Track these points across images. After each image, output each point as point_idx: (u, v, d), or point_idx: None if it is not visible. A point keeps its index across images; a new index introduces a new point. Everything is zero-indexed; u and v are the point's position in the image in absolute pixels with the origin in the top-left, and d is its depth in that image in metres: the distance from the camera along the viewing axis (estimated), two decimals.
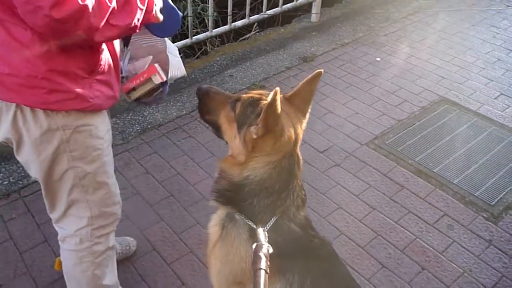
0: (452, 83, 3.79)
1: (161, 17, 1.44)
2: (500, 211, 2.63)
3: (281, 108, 1.25)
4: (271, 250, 1.19)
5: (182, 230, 2.41)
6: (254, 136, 1.24)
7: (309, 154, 2.97)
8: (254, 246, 1.19)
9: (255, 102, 1.30)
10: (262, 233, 1.24)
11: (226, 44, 4.47)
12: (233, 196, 1.34)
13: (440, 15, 4.97)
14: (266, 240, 1.23)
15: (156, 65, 1.64)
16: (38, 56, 1.22)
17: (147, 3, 1.31)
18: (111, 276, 1.78)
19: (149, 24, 1.47)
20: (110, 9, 1.18)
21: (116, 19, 1.22)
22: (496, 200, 2.70)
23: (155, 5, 1.39)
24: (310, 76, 1.40)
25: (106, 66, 1.40)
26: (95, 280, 1.71)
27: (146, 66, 1.67)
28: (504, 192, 2.75)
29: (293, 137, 1.31)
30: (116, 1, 1.20)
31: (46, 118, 1.33)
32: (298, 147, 1.36)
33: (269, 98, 1.17)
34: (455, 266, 2.30)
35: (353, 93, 3.61)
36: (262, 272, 1.09)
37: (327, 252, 1.43)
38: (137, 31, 1.35)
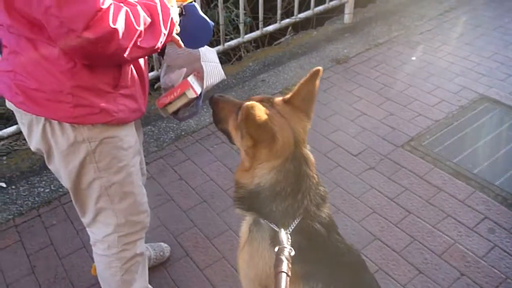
0: (493, 80, 3.65)
1: (177, 38, 1.49)
2: None
3: (279, 112, 1.29)
4: (293, 253, 1.19)
5: (215, 235, 2.43)
6: (244, 148, 1.28)
7: (343, 157, 2.93)
8: (276, 249, 1.20)
9: (251, 109, 1.28)
10: (284, 236, 1.24)
11: (259, 49, 4.49)
12: (253, 202, 1.35)
13: (479, 10, 4.79)
14: (289, 242, 1.23)
15: (190, 78, 1.66)
16: (63, 72, 1.28)
17: (169, 28, 1.37)
18: (141, 281, 1.81)
19: (181, 37, 1.51)
20: (138, 32, 1.23)
21: (142, 42, 1.27)
22: None
23: (176, 29, 1.45)
24: (308, 75, 1.38)
25: (130, 80, 1.44)
26: (124, 285, 1.76)
27: (181, 79, 1.70)
28: None
29: (291, 139, 1.30)
30: (143, 25, 1.25)
31: (73, 130, 1.39)
32: (304, 147, 1.36)
33: (242, 114, 1.20)
34: (497, 272, 2.20)
35: (387, 94, 3.54)
36: (284, 275, 1.09)
37: (355, 260, 1.41)
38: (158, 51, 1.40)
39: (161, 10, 1.32)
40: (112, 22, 1.15)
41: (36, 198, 2.68)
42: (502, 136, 3.08)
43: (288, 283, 1.09)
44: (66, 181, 1.52)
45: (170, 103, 1.68)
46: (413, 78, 3.73)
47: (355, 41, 4.31)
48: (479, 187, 2.67)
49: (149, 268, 2.17)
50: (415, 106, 3.39)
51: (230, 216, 2.52)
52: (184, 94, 1.65)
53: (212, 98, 1.50)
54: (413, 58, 4.00)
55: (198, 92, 1.65)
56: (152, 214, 2.51)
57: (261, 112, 1.21)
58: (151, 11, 1.30)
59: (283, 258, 1.14)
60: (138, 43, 1.25)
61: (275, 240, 1.29)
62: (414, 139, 3.07)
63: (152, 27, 1.30)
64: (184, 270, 2.27)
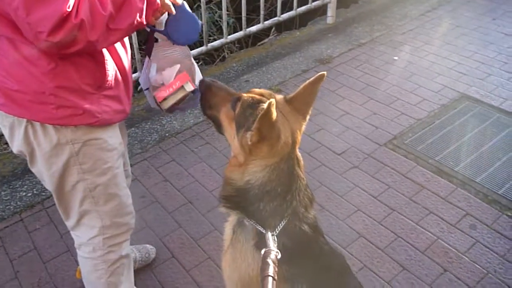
0: (473, 79, 3.71)
1: (170, 4, 1.44)
2: None
3: (280, 111, 1.26)
4: (279, 256, 1.18)
5: (201, 236, 2.43)
6: (249, 143, 1.24)
7: (327, 156, 2.95)
8: (262, 252, 1.19)
9: (255, 104, 1.28)
10: (270, 238, 1.24)
11: (242, 50, 4.50)
12: (240, 201, 1.34)
13: (459, 10, 4.87)
14: (275, 245, 1.22)
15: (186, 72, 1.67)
16: (45, 73, 1.26)
17: None
18: (126, 284, 1.80)
19: (169, 33, 1.50)
20: (107, 17, 1.20)
21: (115, 23, 1.24)
22: None
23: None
24: (313, 78, 1.38)
25: (114, 81, 1.43)
26: (110, 287, 1.74)
27: (174, 74, 1.69)
28: None
29: (289, 140, 1.30)
30: (114, 5, 1.22)
31: (56, 132, 1.37)
32: (297, 149, 1.36)
33: (264, 107, 1.15)
34: (479, 267, 2.24)
35: (370, 93, 3.57)
36: (270, 279, 1.08)
37: (340, 262, 1.42)
38: (145, 26, 1.38)
39: None
40: (75, 19, 1.13)
41: (19, 203, 2.65)
42: (482, 134, 3.13)
43: (275, 287, 1.08)
44: (49, 184, 1.51)
45: (166, 98, 1.67)
46: (396, 77, 3.77)
47: (338, 41, 4.34)
48: (460, 184, 2.72)
49: (135, 270, 2.17)
50: (398, 105, 3.43)
51: (215, 216, 2.52)
52: (182, 87, 1.64)
53: (204, 81, 1.45)
54: (395, 58, 4.04)
55: (196, 85, 1.65)
56: (137, 216, 2.50)
57: (275, 110, 1.19)
58: None
59: (270, 261, 1.13)
60: (111, 26, 1.22)
61: (260, 242, 1.28)
62: (397, 137, 3.11)
63: (125, 4, 1.24)
64: (170, 272, 2.26)
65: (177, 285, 2.20)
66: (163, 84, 1.68)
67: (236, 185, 1.33)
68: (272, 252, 1.17)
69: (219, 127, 1.42)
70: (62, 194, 1.53)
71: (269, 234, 1.25)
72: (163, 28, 1.58)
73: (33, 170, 1.52)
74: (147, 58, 1.70)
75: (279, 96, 1.37)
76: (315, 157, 2.94)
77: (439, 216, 2.52)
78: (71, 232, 1.71)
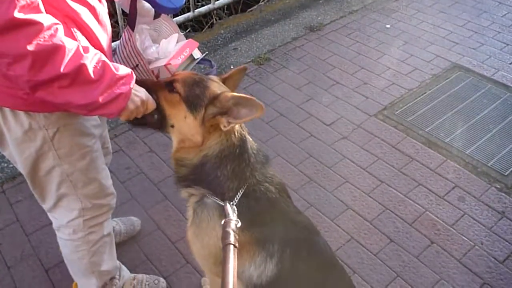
0: (466, 49, 3.65)
1: None
2: None
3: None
4: (239, 225, 1.20)
5: (186, 208, 2.38)
6: (224, 128, 1.26)
7: (316, 127, 2.90)
8: (222, 222, 1.20)
9: (201, 82, 1.31)
10: (229, 208, 1.25)
11: (231, 17, 4.36)
12: (196, 177, 1.34)
13: None
14: (235, 214, 1.24)
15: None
16: None
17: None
18: (109, 261, 1.76)
19: None
20: (58, 74, 1.05)
21: (66, 91, 1.09)
22: (510, 170, 2.60)
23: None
24: (239, 67, 1.48)
25: None
26: (93, 267, 1.70)
27: (174, 45, 1.60)
28: None
29: None
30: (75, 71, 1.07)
31: (28, 118, 1.27)
32: None
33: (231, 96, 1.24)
34: (466, 239, 2.24)
35: (361, 62, 3.50)
36: (231, 247, 1.10)
37: (306, 221, 1.43)
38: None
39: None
40: (27, 44, 0.97)
41: (0, 174, 2.58)
42: (474, 105, 3.10)
43: (236, 254, 1.09)
44: (21, 169, 1.42)
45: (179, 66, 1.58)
46: (387, 46, 3.70)
47: (329, 8, 4.23)
48: (450, 156, 2.70)
49: (120, 243, 2.14)
50: (389, 75, 3.37)
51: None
52: (191, 55, 1.56)
53: None
54: (388, 26, 3.95)
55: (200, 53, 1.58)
56: (122, 187, 2.48)
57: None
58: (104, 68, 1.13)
59: (230, 230, 1.15)
60: (57, 87, 1.07)
61: (222, 214, 1.28)
62: (387, 108, 3.06)
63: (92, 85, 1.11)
64: (156, 244, 2.23)
65: (162, 257, 2.17)
66: (157, 58, 1.59)
67: (191, 164, 1.33)
68: (231, 221, 1.19)
69: (159, 115, 1.34)
70: (36, 179, 1.44)
71: (228, 204, 1.27)
72: None
73: (4, 153, 1.43)
74: (126, 32, 1.58)
75: (212, 76, 1.42)
76: (304, 127, 2.88)
77: (427, 188, 2.50)
78: (48, 214, 1.63)
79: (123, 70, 1.18)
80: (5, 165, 2.61)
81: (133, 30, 1.58)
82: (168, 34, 1.64)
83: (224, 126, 1.25)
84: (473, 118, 2.98)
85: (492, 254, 2.18)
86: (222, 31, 3.96)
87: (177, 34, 1.61)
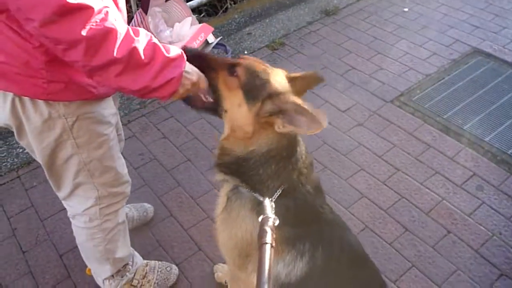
0: (486, 33, 3.54)
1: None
2: None
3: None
4: (277, 223, 1.15)
5: (200, 195, 2.38)
6: (277, 129, 1.18)
7: (330, 113, 2.85)
8: (260, 218, 1.16)
9: (263, 73, 1.23)
10: (268, 205, 1.20)
11: (245, 0, 4.29)
12: (238, 168, 1.29)
13: None
14: (273, 211, 1.19)
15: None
16: (36, 47, 1.13)
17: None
18: (123, 248, 1.76)
19: None
20: (112, 59, 1.04)
21: (120, 77, 1.08)
22: None
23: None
24: (316, 75, 1.40)
25: None
26: (108, 254, 1.71)
27: (188, 28, 1.58)
28: None
29: None
30: (127, 56, 1.06)
31: (47, 107, 1.26)
32: None
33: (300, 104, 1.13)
34: (484, 229, 2.19)
35: (378, 47, 3.42)
36: (267, 247, 1.05)
37: (338, 220, 1.40)
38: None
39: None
40: (81, 30, 0.97)
41: (15, 159, 2.59)
42: (493, 91, 3.01)
43: (273, 253, 1.05)
44: (39, 157, 1.41)
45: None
46: (405, 30, 3.60)
47: None
48: (468, 144, 2.63)
49: (133, 229, 2.14)
50: (406, 60, 3.29)
51: (214, 175, 2.46)
52: (205, 39, 1.54)
53: (188, 49, 1.30)
54: (405, 9, 3.85)
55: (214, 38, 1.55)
56: (135, 173, 2.48)
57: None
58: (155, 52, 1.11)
59: (267, 228, 1.10)
60: (112, 72, 1.06)
61: (257, 208, 1.25)
62: (404, 94, 2.99)
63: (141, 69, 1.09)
64: (168, 230, 2.23)
65: (174, 244, 2.17)
66: (171, 42, 1.56)
67: (236, 155, 1.28)
68: (269, 219, 1.14)
69: (214, 94, 1.30)
70: (54, 167, 1.44)
71: (267, 200, 1.22)
72: None
73: (21, 143, 1.42)
74: (138, 15, 1.56)
75: (281, 71, 1.33)
76: None
77: (445, 176, 2.45)
78: (63, 202, 1.62)
79: (174, 51, 1.15)
80: (20, 150, 2.63)
81: (146, 13, 1.56)
82: (179, 16, 1.62)
83: (278, 128, 1.18)
84: (493, 105, 2.90)
85: (510, 244, 2.13)
86: (236, 16, 3.90)
87: (190, 18, 1.58)
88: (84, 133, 1.37)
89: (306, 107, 1.12)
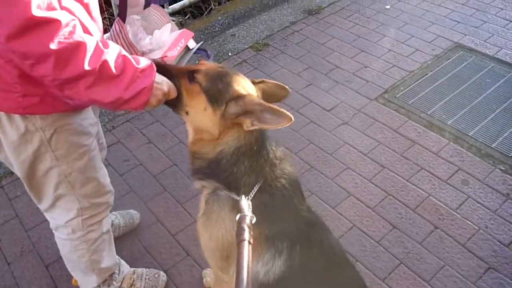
0: (468, 28, 3.57)
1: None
2: None
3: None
4: (254, 220, 1.16)
5: (186, 199, 2.37)
6: (246, 128, 1.22)
7: (315, 113, 2.85)
8: (237, 217, 1.17)
9: (225, 77, 1.26)
10: (245, 203, 1.21)
11: (228, 2, 4.28)
12: (211, 171, 1.31)
13: None
14: (250, 209, 1.20)
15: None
16: (7, 61, 1.10)
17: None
18: (109, 258, 1.74)
19: None
20: (82, 72, 1.03)
21: (91, 89, 1.07)
22: None
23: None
24: (282, 86, 1.39)
25: None
26: (93, 265, 1.68)
27: (168, 35, 1.55)
28: None
29: None
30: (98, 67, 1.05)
31: (23, 120, 1.23)
32: None
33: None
34: (470, 223, 2.21)
35: (361, 45, 3.43)
36: (246, 243, 1.06)
37: (317, 219, 1.40)
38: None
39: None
40: (49, 43, 0.95)
41: None
42: (476, 85, 3.03)
43: (251, 250, 1.06)
44: (18, 171, 1.38)
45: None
46: (387, 27, 3.62)
47: None
48: (453, 138, 2.65)
49: (119, 237, 2.12)
50: (389, 57, 3.30)
51: (193, 183, 2.45)
52: (186, 45, 1.52)
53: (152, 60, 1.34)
54: (387, 7, 3.87)
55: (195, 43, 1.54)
56: (121, 180, 2.45)
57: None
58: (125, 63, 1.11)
59: (245, 226, 1.11)
60: (82, 85, 1.05)
61: (234, 208, 1.25)
62: (388, 91, 3.01)
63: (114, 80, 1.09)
64: (155, 236, 2.21)
65: (162, 250, 2.15)
66: (151, 50, 1.54)
67: (207, 158, 1.30)
68: (246, 216, 1.15)
69: (177, 101, 1.32)
70: (33, 180, 1.41)
71: (243, 199, 1.23)
72: None
73: None
74: (116, 24, 1.53)
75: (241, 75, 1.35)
76: (304, 114, 2.84)
77: (430, 172, 2.46)
78: (45, 214, 1.59)
79: (143, 62, 1.16)
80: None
81: (124, 21, 1.53)
82: (159, 23, 1.59)
83: (247, 127, 1.22)
84: (476, 99, 2.92)
85: (497, 237, 2.15)
86: (220, 17, 3.89)
87: (169, 24, 1.56)
88: (63, 145, 1.35)
89: (270, 105, 1.16)
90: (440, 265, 2.05)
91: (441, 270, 2.03)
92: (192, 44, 1.52)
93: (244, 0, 4.18)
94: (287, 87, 1.40)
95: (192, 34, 1.51)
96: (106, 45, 1.08)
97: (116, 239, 1.88)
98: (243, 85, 1.28)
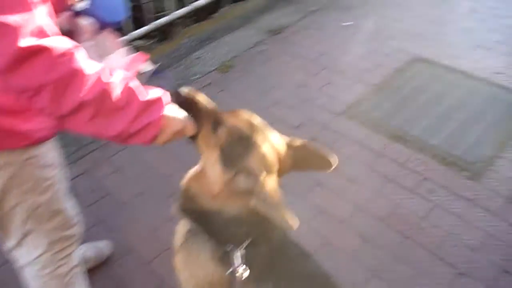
0: (426, 40, 3.70)
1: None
2: (481, 168, 2.58)
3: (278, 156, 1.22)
4: (247, 274, 1.13)
5: (159, 225, 2.34)
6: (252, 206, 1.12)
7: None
8: (230, 270, 1.14)
9: (246, 141, 1.15)
10: (238, 256, 1.17)
11: (195, 24, 4.30)
12: (201, 218, 1.24)
13: None
14: (241, 262, 1.16)
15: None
16: None
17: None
18: None
19: (94, 9, 1.33)
20: (79, 102, 0.97)
21: (94, 121, 1.00)
22: (476, 157, 2.64)
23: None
24: (325, 156, 1.31)
25: None
26: None
27: (122, 60, 1.55)
28: (484, 147, 2.70)
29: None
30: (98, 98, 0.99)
31: None
32: None
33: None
34: (439, 230, 2.26)
35: (324, 62, 3.51)
36: None
37: (300, 251, 1.36)
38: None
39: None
40: (44, 73, 0.91)
41: None
42: (436, 95, 3.13)
43: None
44: None
45: None
46: (349, 44, 3.72)
47: (289, 10, 4.24)
48: (417, 149, 2.72)
49: (91, 270, 2.08)
50: (352, 73, 3.38)
51: (171, 207, 2.43)
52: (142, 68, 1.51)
53: (180, 93, 1.21)
54: (347, 24, 3.97)
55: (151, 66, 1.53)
56: (88, 211, 2.40)
57: None
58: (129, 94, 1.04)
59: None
60: (82, 117, 0.99)
61: (220, 255, 1.20)
62: (352, 106, 3.07)
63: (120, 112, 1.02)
64: (129, 266, 2.18)
65: (137, 279, 2.12)
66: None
67: (201, 207, 1.23)
68: (239, 270, 1.13)
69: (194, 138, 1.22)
70: (0, 217, 1.38)
71: (237, 252, 1.18)
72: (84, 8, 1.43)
73: None
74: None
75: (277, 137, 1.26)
76: None
77: (398, 183, 2.52)
78: (12, 252, 1.53)
79: (153, 93, 1.08)
80: None
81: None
82: (112, 48, 1.60)
83: (254, 206, 1.12)
84: (436, 109, 3.01)
85: (465, 243, 2.20)
86: (186, 40, 3.91)
87: (123, 49, 1.57)
88: (28, 180, 1.32)
89: (275, 200, 1.08)
90: (411, 274, 2.08)
91: (413, 278, 2.07)
92: (147, 67, 1.52)
93: (209, 22, 4.22)
94: (332, 160, 1.27)
95: (147, 57, 1.51)
96: (110, 73, 1.02)
97: (88, 272, 1.84)
98: (266, 158, 1.16)
